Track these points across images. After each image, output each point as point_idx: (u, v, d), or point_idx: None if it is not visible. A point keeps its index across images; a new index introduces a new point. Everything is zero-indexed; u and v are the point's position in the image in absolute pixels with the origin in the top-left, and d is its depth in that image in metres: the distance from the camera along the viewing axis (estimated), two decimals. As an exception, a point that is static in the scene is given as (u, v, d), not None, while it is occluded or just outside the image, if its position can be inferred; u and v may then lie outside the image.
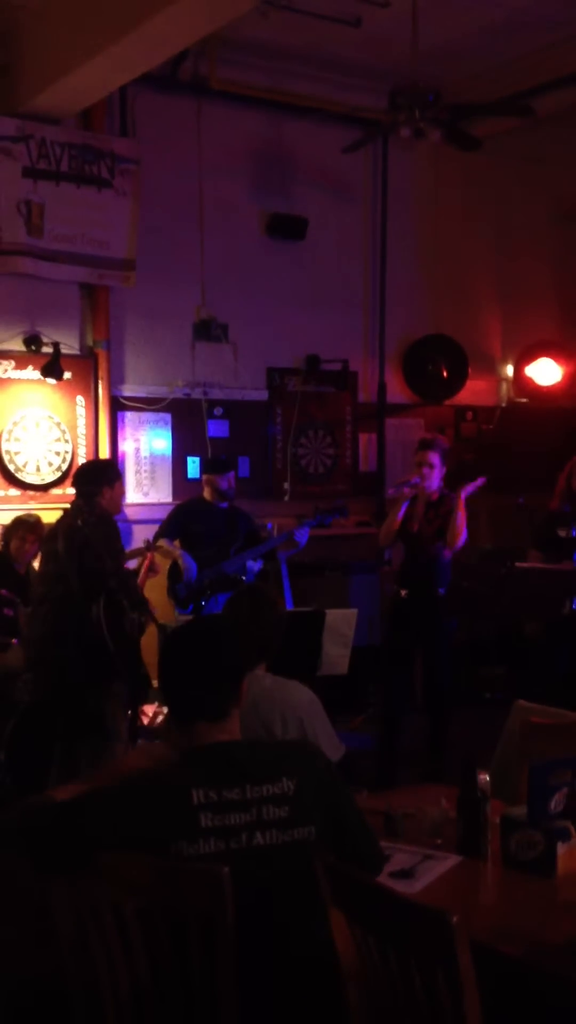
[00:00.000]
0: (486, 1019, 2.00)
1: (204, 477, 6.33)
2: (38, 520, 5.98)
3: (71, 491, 6.38)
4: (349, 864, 2.28)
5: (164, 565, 5.90)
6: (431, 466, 5.57)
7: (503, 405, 8.41)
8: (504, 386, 8.44)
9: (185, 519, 6.18)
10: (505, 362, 8.40)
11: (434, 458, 5.57)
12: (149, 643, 4.98)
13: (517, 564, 5.10)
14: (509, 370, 8.39)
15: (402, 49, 5.82)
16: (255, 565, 6.19)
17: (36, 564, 5.97)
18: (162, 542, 6.02)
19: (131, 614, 4.74)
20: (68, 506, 5.10)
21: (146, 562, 5.49)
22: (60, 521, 4.93)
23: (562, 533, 5.58)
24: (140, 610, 4.76)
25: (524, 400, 8.35)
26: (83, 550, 4.66)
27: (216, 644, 2.45)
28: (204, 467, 6.46)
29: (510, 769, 3.30)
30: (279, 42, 6.67)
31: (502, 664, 7.11)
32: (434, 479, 5.59)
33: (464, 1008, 1.96)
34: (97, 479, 4.94)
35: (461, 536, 5.44)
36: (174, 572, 6.03)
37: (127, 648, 4.68)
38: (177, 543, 6.10)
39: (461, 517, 5.42)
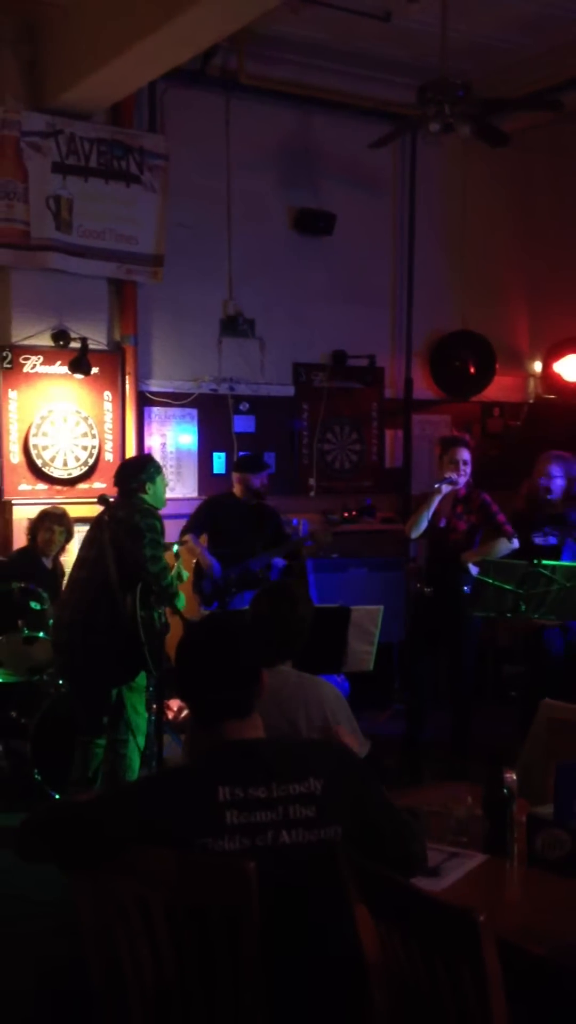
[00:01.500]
0: (511, 1018, 2.00)
1: (237, 474, 6.31)
2: (65, 513, 6.02)
3: (98, 485, 6.45)
4: (377, 863, 2.27)
5: (189, 562, 5.91)
6: (465, 462, 5.57)
7: (530, 401, 8.37)
8: (532, 382, 8.40)
9: (213, 514, 6.19)
10: (533, 358, 8.36)
11: (467, 455, 5.57)
12: (173, 637, 4.99)
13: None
14: (537, 366, 8.34)
15: (431, 43, 5.79)
16: (280, 562, 6.20)
17: (63, 558, 6.03)
18: (187, 538, 6.04)
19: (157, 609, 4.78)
20: (95, 500, 5.13)
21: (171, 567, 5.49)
22: (109, 508, 4.95)
23: (540, 541, 5.55)
24: (162, 607, 4.80)
25: (552, 396, 8.30)
26: (126, 539, 4.71)
27: (232, 643, 2.43)
28: (239, 464, 6.41)
29: (536, 768, 3.28)
30: (308, 37, 6.65)
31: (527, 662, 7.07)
32: (464, 474, 5.59)
33: (490, 1007, 1.96)
34: (138, 474, 4.96)
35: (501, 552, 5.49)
36: (199, 569, 6.04)
37: (156, 640, 4.70)
38: (204, 538, 6.11)
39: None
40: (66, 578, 5.98)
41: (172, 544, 5.71)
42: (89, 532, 5.04)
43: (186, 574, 5.24)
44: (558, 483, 5.63)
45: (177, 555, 5.38)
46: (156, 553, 4.76)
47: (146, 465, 5.07)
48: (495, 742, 4.42)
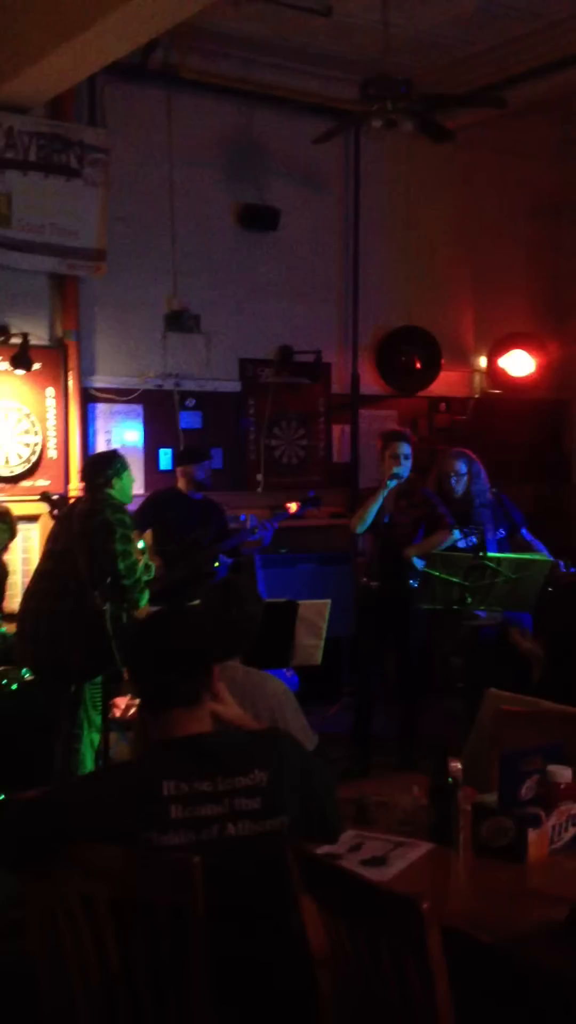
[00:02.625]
0: (457, 1004, 2.01)
1: (179, 468, 6.31)
2: (8, 511, 5.94)
3: (41, 483, 6.40)
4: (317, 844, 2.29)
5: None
6: (406, 457, 5.61)
7: (476, 396, 8.43)
8: (477, 377, 8.45)
9: (157, 510, 6.16)
10: (478, 353, 8.42)
11: (408, 449, 5.62)
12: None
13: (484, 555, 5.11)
14: (482, 361, 8.40)
15: (374, 39, 5.82)
16: (227, 559, 6.18)
17: (5, 557, 5.97)
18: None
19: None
20: (38, 498, 5.14)
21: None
22: (78, 503, 5.03)
23: (463, 544, 5.63)
24: (129, 601, 4.84)
25: (497, 391, 8.37)
26: (97, 534, 4.73)
27: (186, 629, 2.47)
28: (179, 458, 6.44)
29: (482, 757, 3.30)
30: (250, 32, 6.63)
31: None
32: (406, 469, 5.63)
33: (434, 993, 1.97)
34: (104, 470, 5.02)
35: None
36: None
37: (124, 635, 4.70)
38: (148, 534, 6.07)
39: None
40: (10, 575, 5.96)
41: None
42: (56, 525, 5.07)
43: (153, 565, 5.24)
44: (463, 480, 5.72)
45: (143, 549, 5.40)
46: (127, 548, 4.81)
47: (112, 461, 5.12)
48: (443, 733, 4.46)
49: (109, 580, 4.71)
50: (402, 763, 5.41)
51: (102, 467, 5.06)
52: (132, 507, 6.24)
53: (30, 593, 5.04)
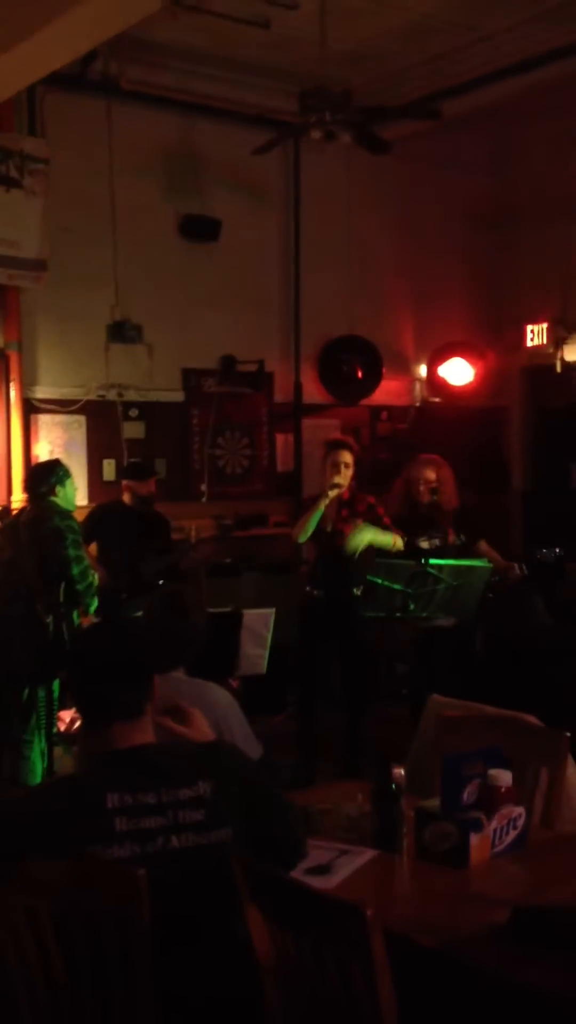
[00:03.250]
0: (402, 1009, 2.03)
1: (124, 482, 6.28)
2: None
3: (-17, 495, 6.35)
4: (268, 861, 2.30)
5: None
6: (347, 465, 5.64)
7: (417, 405, 8.51)
8: (418, 386, 8.54)
9: (101, 522, 6.13)
10: (418, 362, 8.50)
11: (349, 457, 5.65)
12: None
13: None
14: (422, 370, 8.49)
15: (311, 51, 5.86)
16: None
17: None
18: None
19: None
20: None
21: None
22: (24, 512, 5.04)
23: (424, 544, 5.67)
24: (81, 606, 4.86)
25: (437, 400, 8.47)
26: (47, 542, 4.73)
27: (125, 641, 2.47)
28: (125, 472, 6.42)
29: (425, 763, 3.34)
30: (189, 43, 6.65)
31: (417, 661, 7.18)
32: (347, 478, 5.66)
33: (380, 999, 1.99)
34: (48, 478, 5.05)
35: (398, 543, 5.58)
36: None
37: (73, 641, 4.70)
38: (93, 547, 6.05)
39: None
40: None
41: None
42: (4, 533, 5.06)
43: (96, 575, 5.25)
44: (432, 487, 5.76)
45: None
46: (79, 553, 4.88)
47: (55, 469, 5.16)
48: (389, 740, 4.49)
49: (63, 585, 4.73)
50: (347, 770, 5.44)
51: (45, 476, 5.09)
52: (78, 517, 6.25)
53: None
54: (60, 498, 5.04)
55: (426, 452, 6.09)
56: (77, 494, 5.37)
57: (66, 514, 4.94)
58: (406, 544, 5.61)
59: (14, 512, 5.07)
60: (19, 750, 4.85)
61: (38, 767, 4.86)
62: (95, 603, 5.02)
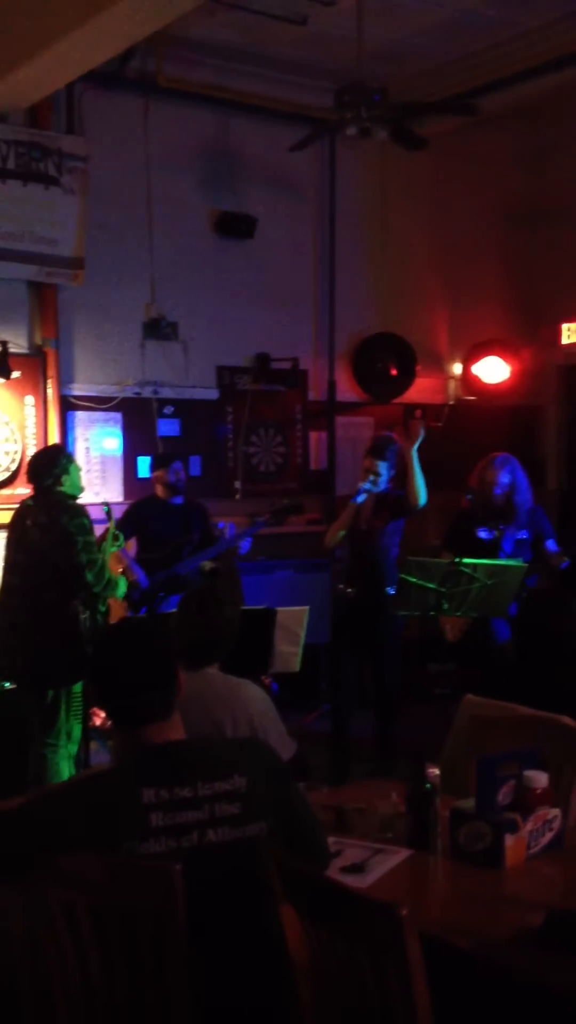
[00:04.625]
0: (435, 1010, 2.03)
1: (153, 475, 6.32)
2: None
3: (21, 491, 6.36)
4: (299, 859, 2.30)
5: (116, 570, 5.88)
6: (378, 474, 5.62)
7: (451, 403, 8.48)
8: (452, 384, 8.50)
9: (138, 519, 6.16)
10: (453, 360, 8.46)
11: (382, 467, 5.62)
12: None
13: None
14: (457, 368, 8.45)
15: (348, 48, 5.85)
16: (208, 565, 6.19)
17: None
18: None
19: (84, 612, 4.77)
20: (17, 506, 5.10)
21: (105, 531, 5.39)
22: (30, 511, 4.91)
23: (485, 536, 5.62)
24: (104, 602, 4.83)
25: (472, 398, 8.43)
26: (58, 545, 4.69)
27: (146, 646, 2.43)
28: (151, 465, 6.46)
29: (459, 763, 3.33)
30: (226, 40, 6.67)
31: (452, 660, 7.17)
32: (381, 483, 5.65)
33: (414, 1000, 1.99)
34: (51, 468, 4.92)
35: (420, 492, 5.52)
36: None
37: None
38: (131, 544, 6.07)
39: (418, 478, 5.50)
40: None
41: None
42: (12, 534, 5.00)
43: (122, 538, 5.27)
44: (506, 490, 5.65)
45: (109, 512, 5.38)
46: (92, 557, 4.76)
47: (57, 457, 5.02)
48: (421, 740, 4.48)
49: (82, 592, 4.72)
50: (380, 769, 5.44)
51: (49, 466, 4.94)
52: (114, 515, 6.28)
53: (2, 607, 5.00)
54: (66, 486, 4.92)
55: (449, 451, 6.04)
56: (93, 493, 5.29)
57: (74, 511, 4.80)
58: (466, 534, 5.57)
59: (18, 508, 4.95)
60: (42, 754, 4.81)
61: (64, 770, 4.85)
62: (122, 587, 4.99)
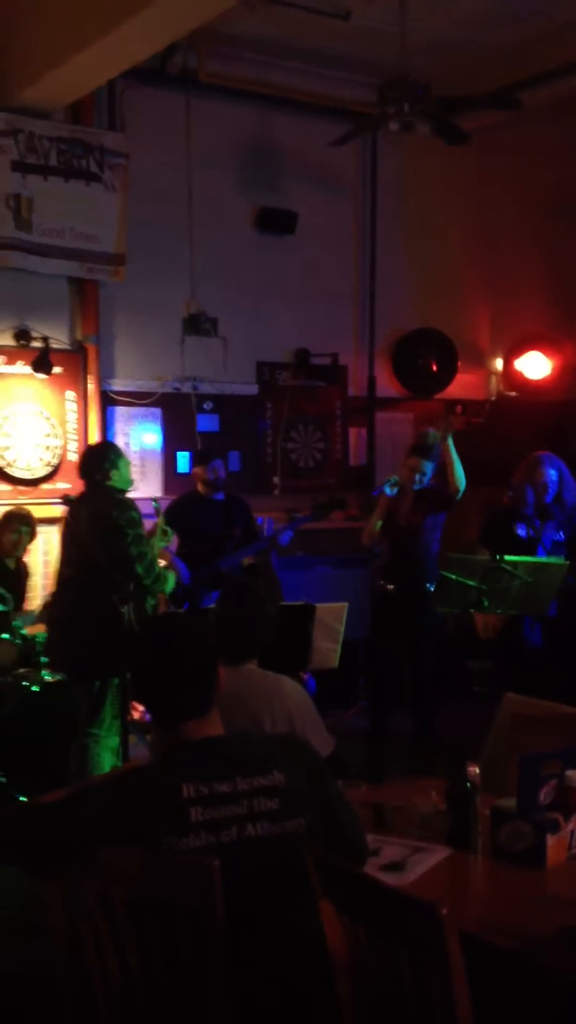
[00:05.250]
0: (476, 1010, 2.01)
1: (192, 471, 6.34)
2: (29, 514, 5.99)
3: (62, 486, 6.43)
4: (338, 856, 2.29)
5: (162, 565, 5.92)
6: (424, 473, 5.60)
7: (492, 399, 8.43)
8: (493, 380, 8.45)
9: (180, 515, 6.17)
10: (494, 356, 8.41)
11: (428, 468, 5.59)
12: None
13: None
14: (498, 364, 8.40)
15: (391, 42, 5.82)
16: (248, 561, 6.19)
17: (25, 559, 6.02)
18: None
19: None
20: (59, 501, 5.17)
21: (154, 527, 5.46)
22: (81, 505, 5.01)
23: (523, 533, 5.58)
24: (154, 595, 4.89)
25: (513, 394, 8.37)
26: (108, 538, 4.75)
27: (186, 642, 2.42)
28: (192, 461, 6.48)
29: (499, 762, 3.31)
30: (268, 35, 6.66)
31: (491, 658, 7.13)
32: (424, 482, 5.62)
33: (454, 999, 1.98)
34: (101, 464, 5.00)
35: (460, 479, 5.49)
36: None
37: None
38: (173, 539, 6.09)
39: (457, 466, 5.48)
40: (31, 577, 6.03)
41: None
42: (65, 529, 5.11)
43: (171, 533, 5.35)
44: (555, 489, 5.62)
45: (158, 509, 5.45)
46: (141, 550, 4.82)
47: (107, 453, 5.10)
48: (460, 737, 4.45)
49: (132, 585, 4.76)
50: (418, 767, 5.41)
51: (98, 461, 5.03)
52: (151, 510, 6.31)
53: (54, 599, 5.09)
54: (115, 480, 5.00)
55: (490, 447, 5.99)
56: (133, 489, 5.34)
57: (124, 504, 4.87)
58: (504, 532, 5.53)
59: (73, 502, 5.05)
60: (85, 745, 4.86)
61: (106, 762, 4.88)
62: (171, 583, 5.06)
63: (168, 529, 5.38)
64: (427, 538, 5.64)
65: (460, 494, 5.57)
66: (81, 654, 4.83)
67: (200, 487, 6.20)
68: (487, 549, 5.37)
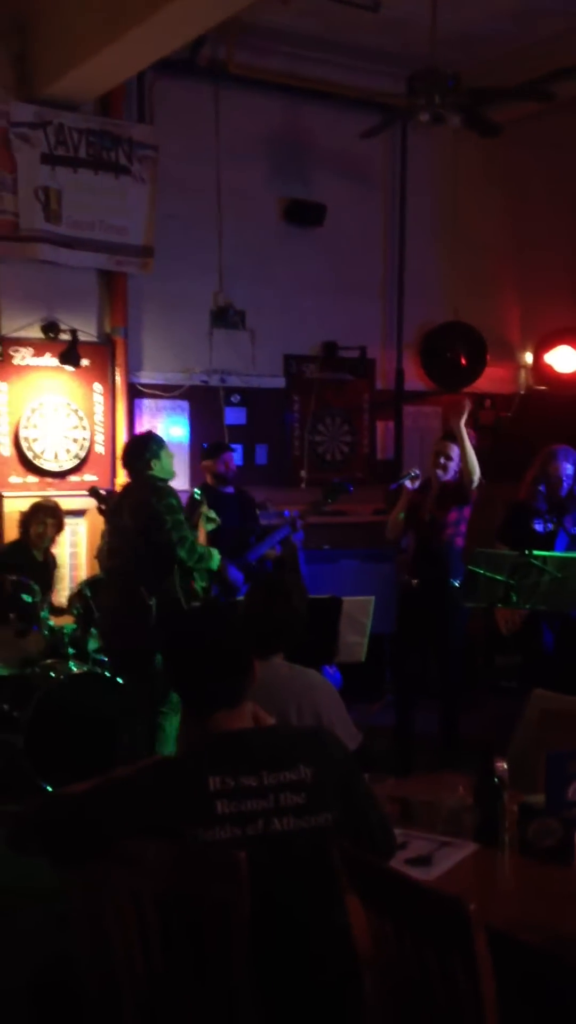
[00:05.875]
0: (503, 1006, 2.00)
1: (202, 464, 6.34)
2: (57, 506, 6.02)
3: (89, 478, 6.46)
4: (365, 850, 2.29)
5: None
6: (449, 457, 5.56)
7: (522, 393, 8.38)
8: (523, 373, 8.40)
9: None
10: (524, 349, 8.36)
11: (454, 451, 5.56)
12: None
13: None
14: (528, 357, 8.35)
15: (421, 33, 5.79)
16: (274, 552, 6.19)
17: (53, 550, 6.05)
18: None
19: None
20: (86, 492, 5.24)
21: (199, 512, 5.52)
22: (125, 495, 5.17)
23: (540, 528, 5.52)
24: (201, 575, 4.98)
25: (543, 388, 8.31)
26: (148, 525, 4.83)
27: (223, 631, 2.44)
28: (201, 453, 6.48)
29: (527, 757, 3.29)
30: (297, 27, 6.64)
31: (519, 653, 7.09)
32: (451, 470, 5.58)
33: (481, 995, 1.96)
34: (143, 454, 5.16)
35: (473, 467, 5.44)
36: None
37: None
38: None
39: (469, 452, 5.44)
40: (58, 569, 6.09)
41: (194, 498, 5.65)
42: (111, 519, 5.26)
43: (212, 514, 5.44)
44: (570, 481, 5.60)
45: (200, 499, 5.51)
46: (182, 534, 4.96)
47: (148, 443, 5.25)
48: (487, 732, 4.44)
49: (177, 570, 4.89)
50: (443, 761, 5.40)
51: (141, 451, 5.20)
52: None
53: (103, 588, 5.28)
54: (157, 470, 5.16)
55: (519, 442, 5.95)
56: (172, 460, 5.42)
57: (163, 491, 5.01)
58: (522, 527, 5.50)
59: (118, 491, 5.21)
60: (155, 721, 5.00)
61: (172, 738, 4.94)
62: (216, 560, 5.16)
63: (213, 514, 5.46)
64: (451, 532, 5.61)
65: (474, 484, 5.52)
66: (129, 644, 4.93)
67: (209, 479, 6.21)
68: (504, 545, 5.35)
